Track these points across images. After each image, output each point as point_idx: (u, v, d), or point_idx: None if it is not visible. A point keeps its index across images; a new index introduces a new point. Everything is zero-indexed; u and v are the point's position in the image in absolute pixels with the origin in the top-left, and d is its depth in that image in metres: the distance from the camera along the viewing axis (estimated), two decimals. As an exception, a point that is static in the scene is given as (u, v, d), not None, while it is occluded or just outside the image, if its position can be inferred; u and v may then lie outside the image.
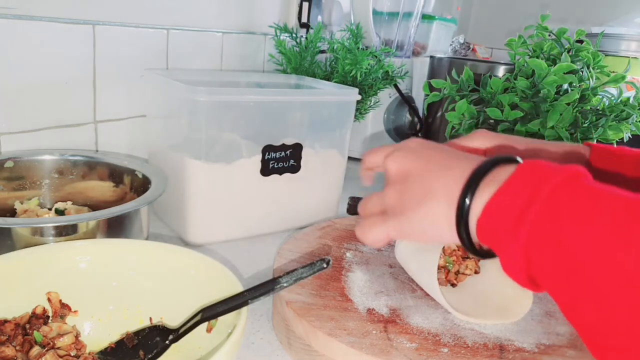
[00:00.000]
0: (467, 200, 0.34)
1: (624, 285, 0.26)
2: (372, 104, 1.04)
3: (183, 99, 0.65)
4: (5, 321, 0.42)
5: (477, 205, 0.34)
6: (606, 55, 1.08)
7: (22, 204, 0.67)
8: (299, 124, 0.74)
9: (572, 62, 0.86)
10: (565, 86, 0.86)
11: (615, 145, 0.73)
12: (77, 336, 0.44)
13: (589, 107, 0.86)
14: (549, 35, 0.92)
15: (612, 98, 0.87)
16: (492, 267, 0.57)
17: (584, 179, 0.31)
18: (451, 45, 1.66)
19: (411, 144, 0.43)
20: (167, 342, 0.44)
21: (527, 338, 0.47)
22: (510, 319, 0.50)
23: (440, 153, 0.40)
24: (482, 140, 0.52)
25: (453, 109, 0.90)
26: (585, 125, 0.84)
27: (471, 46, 1.74)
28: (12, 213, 0.66)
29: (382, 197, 0.42)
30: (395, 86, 1.14)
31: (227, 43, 1.00)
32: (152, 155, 0.80)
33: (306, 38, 1.00)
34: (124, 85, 0.83)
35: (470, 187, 0.34)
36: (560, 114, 0.81)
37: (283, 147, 0.73)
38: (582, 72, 0.87)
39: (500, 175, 0.34)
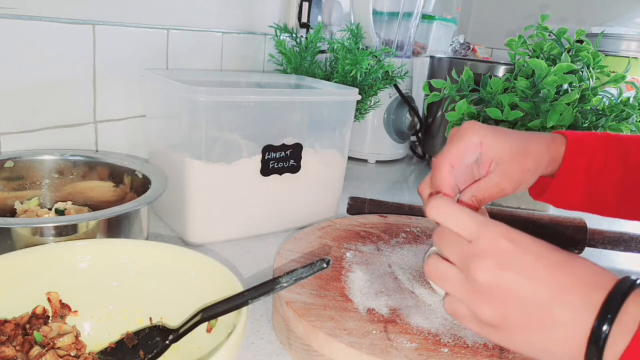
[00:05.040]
0: (598, 355, 0.33)
1: None
2: (372, 104, 1.04)
3: (183, 99, 0.65)
4: (5, 321, 0.42)
5: (610, 356, 0.32)
6: (606, 55, 1.08)
7: (22, 204, 0.67)
8: (299, 124, 0.74)
9: (572, 62, 0.86)
10: (565, 86, 0.86)
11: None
12: (77, 336, 0.44)
13: (589, 107, 0.86)
14: (549, 35, 0.92)
15: (612, 98, 0.87)
16: None
17: None
18: (451, 45, 1.66)
19: (501, 243, 0.37)
20: (167, 342, 0.44)
21: (527, 338, 0.47)
22: None
23: (544, 270, 0.36)
24: (477, 135, 0.51)
25: (453, 109, 0.90)
26: (585, 125, 0.84)
27: (471, 46, 1.74)
28: (12, 213, 0.66)
29: (467, 295, 0.38)
30: (395, 86, 1.14)
31: (227, 43, 1.00)
32: (152, 155, 0.80)
33: (306, 38, 1.00)
34: (124, 85, 0.83)
35: (600, 336, 0.33)
36: (560, 114, 0.81)
37: (283, 147, 0.73)
38: (582, 72, 0.87)
39: (629, 319, 0.32)
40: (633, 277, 0.34)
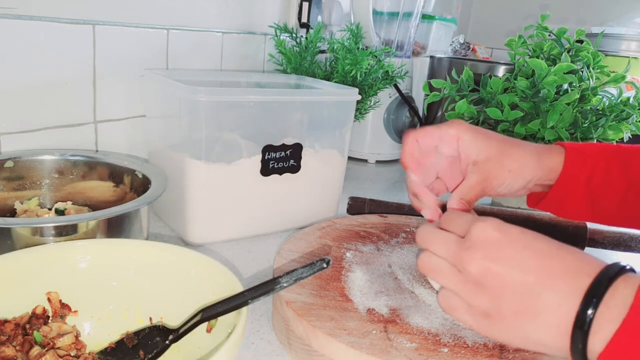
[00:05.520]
0: (582, 340, 0.33)
1: None
2: (372, 104, 1.04)
3: (183, 99, 0.65)
4: (5, 321, 0.42)
5: (597, 342, 0.32)
6: (606, 55, 1.08)
7: (22, 204, 0.67)
8: (299, 124, 0.74)
9: (572, 62, 0.86)
10: (565, 86, 0.86)
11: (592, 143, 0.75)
12: (77, 336, 0.44)
13: (589, 107, 0.86)
14: (549, 35, 0.92)
15: (612, 98, 0.87)
16: None
17: None
18: (451, 45, 1.66)
19: (490, 233, 0.38)
20: (167, 342, 0.44)
21: (527, 338, 0.47)
22: None
23: (531, 257, 0.36)
24: (456, 129, 0.53)
25: (453, 109, 0.90)
26: (585, 125, 0.84)
27: (471, 46, 1.74)
28: (12, 213, 0.66)
29: (461, 286, 0.39)
30: (395, 86, 1.14)
31: (227, 43, 1.00)
32: (152, 155, 0.80)
33: (306, 38, 1.00)
34: (124, 85, 0.83)
35: (585, 320, 0.33)
36: (560, 114, 0.81)
37: (283, 147, 0.73)
38: (582, 72, 0.87)
39: (618, 304, 0.32)
40: (622, 263, 0.34)
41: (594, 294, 0.33)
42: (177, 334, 0.44)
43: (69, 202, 0.68)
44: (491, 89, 0.88)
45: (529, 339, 0.36)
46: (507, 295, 0.36)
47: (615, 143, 0.85)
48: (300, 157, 0.75)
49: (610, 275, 0.34)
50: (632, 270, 0.34)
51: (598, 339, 0.32)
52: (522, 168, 0.54)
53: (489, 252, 0.37)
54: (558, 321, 0.34)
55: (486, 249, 0.37)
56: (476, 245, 0.38)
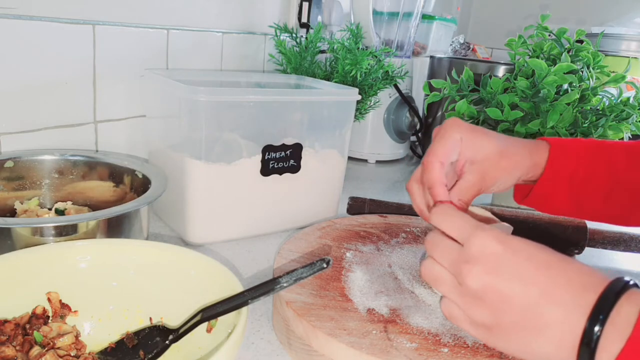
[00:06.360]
0: (589, 357, 0.32)
1: None
2: (372, 104, 1.04)
3: (183, 99, 0.65)
4: (5, 321, 0.42)
5: (605, 358, 0.32)
6: (606, 55, 1.08)
7: (22, 204, 0.67)
8: (299, 124, 0.74)
9: (572, 62, 0.86)
10: (565, 86, 0.86)
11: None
12: (77, 336, 0.44)
13: (589, 107, 0.86)
14: (549, 35, 0.92)
15: (612, 98, 0.87)
16: None
17: None
18: (451, 45, 1.66)
19: (491, 246, 0.37)
20: (167, 342, 0.44)
21: (527, 338, 0.47)
22: None
23: (533, 269, 0.36)
24: (459, 132, 0.53)
25: (453, 109, 0.90)
26: (585, 125, 0.84)
27: (471, 46, 1.74)
28: (12, 213, 0.66)
29: (461, 299, 0.38)
30: (395, 86, 1.14)
31: (227, 43, 1.00)
32: (152, 155, 0.80)
33: (306, 38, 1.00)
34: (124, 85, 0.83)
35: (592, 337, 0.32)
36: (560, 114, 0.81)
37: (283, 147, 0.73)
38: (582, 72, 0.87)
39: (623, 321, 0.32)
40: (626, 278, 0.34)
41: (601, 311, 0.33)
42: (177, 334, 0.44)
43: (69, 202, 0.68)
44: (491, 89, 0.88)
45: (532, 353, 0.36)
46: (507, 310, 0.36)
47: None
48: (300, 157, 0.75)
49: (615, 290, 0.33)
50: (636, 285, 0.34)
51: (605, 357, 0.32)
52: (516, 166, 0.55)
53: (488, 266, 0.37)
54: (561, 335, 0.34)
55: (486, 263, 0.37)
56: (475, 259, 0.37)
